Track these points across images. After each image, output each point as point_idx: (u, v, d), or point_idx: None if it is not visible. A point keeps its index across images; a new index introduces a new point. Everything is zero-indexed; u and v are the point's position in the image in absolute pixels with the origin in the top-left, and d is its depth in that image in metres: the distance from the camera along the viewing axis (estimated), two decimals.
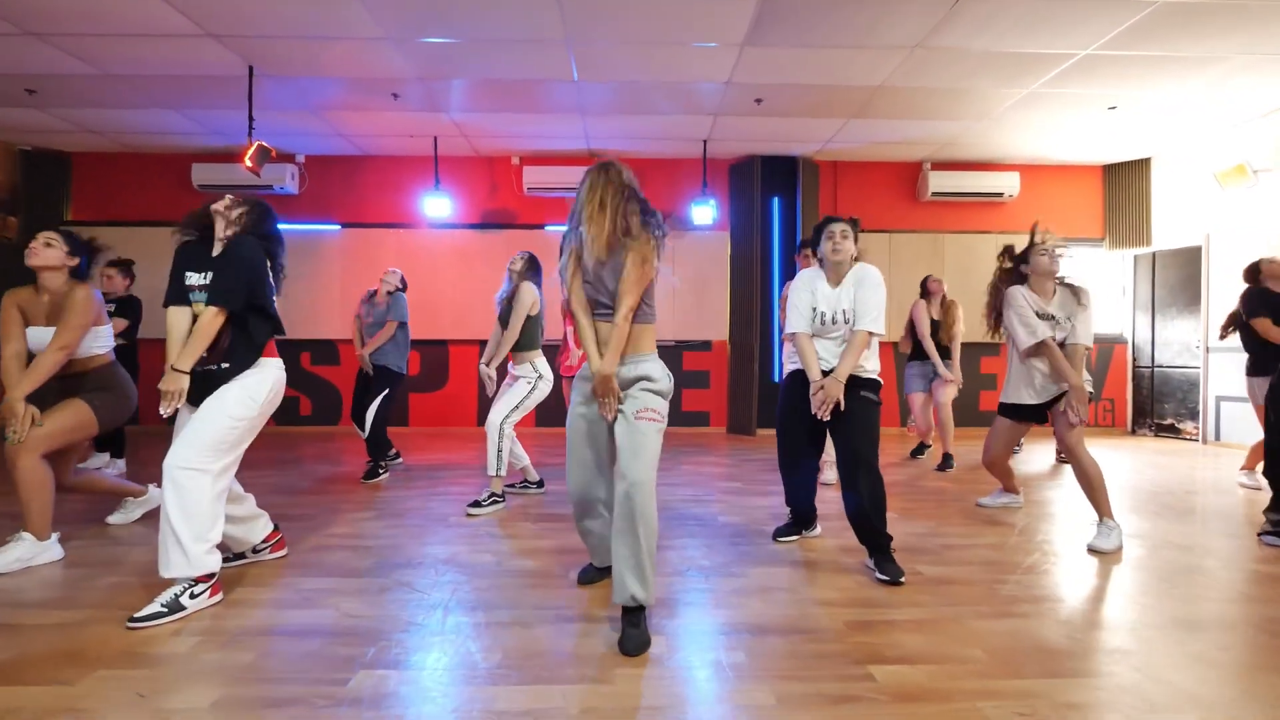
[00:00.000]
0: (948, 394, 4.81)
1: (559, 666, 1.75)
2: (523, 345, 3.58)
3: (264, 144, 5.00)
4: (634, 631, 1.85)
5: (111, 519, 3.15)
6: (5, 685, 1.64)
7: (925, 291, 4.95)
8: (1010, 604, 2.21)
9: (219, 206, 2.27)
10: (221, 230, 2.27)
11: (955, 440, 5.00)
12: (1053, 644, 1.91)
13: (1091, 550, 2.80)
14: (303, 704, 1.56)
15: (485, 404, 6.58)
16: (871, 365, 2.60)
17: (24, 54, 4.54)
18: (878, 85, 5.06)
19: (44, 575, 2.44)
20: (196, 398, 2.16)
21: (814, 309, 2.61)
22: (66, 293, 2.60)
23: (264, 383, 2.24)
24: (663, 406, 1.99)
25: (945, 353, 4.82)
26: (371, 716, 1.51)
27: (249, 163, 4.91)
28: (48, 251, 2.58)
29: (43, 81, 5.04)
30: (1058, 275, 3.01)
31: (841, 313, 2.58)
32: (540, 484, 3.89)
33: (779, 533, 2.94)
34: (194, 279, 2.22)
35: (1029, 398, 3.02)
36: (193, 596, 2.07)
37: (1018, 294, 2.98)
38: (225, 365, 2.20)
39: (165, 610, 2.01)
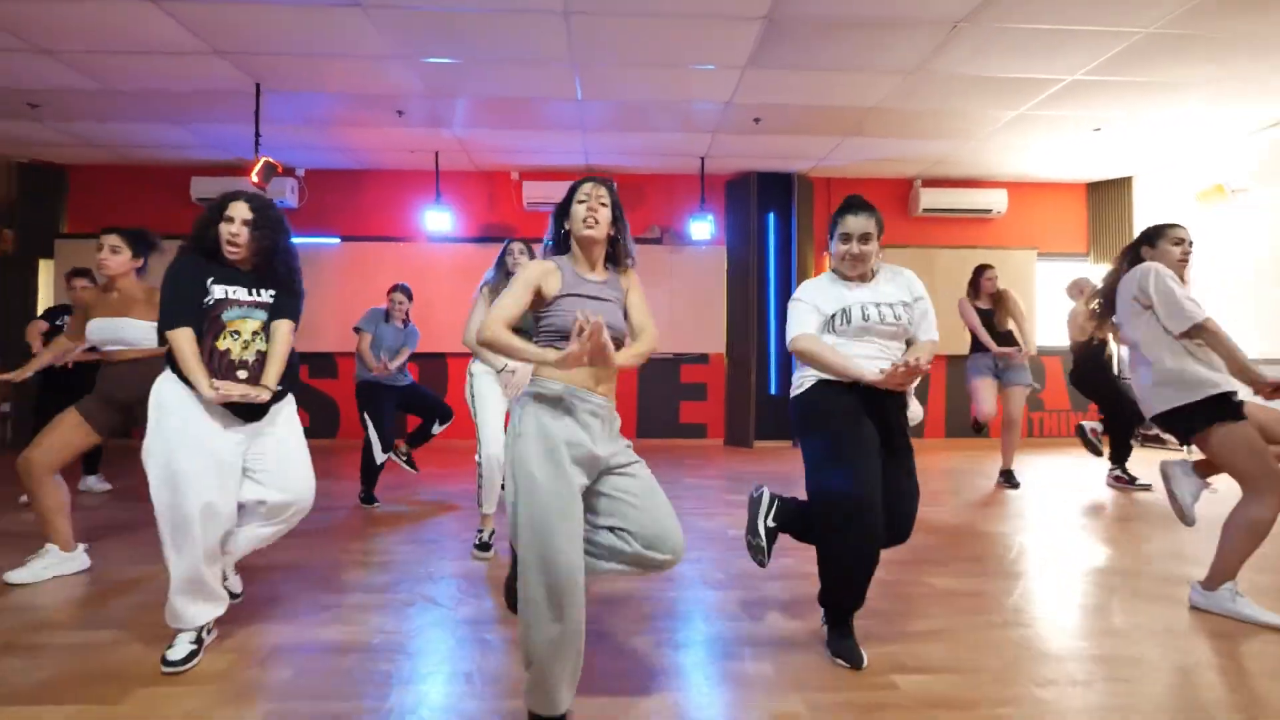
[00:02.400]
0: (1019, 401, 4.63)
1: (595, 680, 1.81)
2: None
3: (270, 160, 5.03)
4: None
5: (12, 575, 2.59)
6: (47, 704, 1.66)
7: (975, 285, 4.74)
8: (1017, 614, 2.30)
9: (245, 217, 2.04)
10: (247, 241, 2.04)
11: (957, 452, 5.11)
12: (1064, 652, 1.99)
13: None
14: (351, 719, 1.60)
15: None
16: (916, 410, 2.44)
17: (31, 69, 4.55)
18: (872, 106, 5.21)
19: (72, 594, 2.45)
20: (247, 416, 2.04)
21: (841, 310, 2.03)
22: (148, 291, 2.78)
23: (293, 403, 2.26)
24: None
25: (1010, 339, 4.63)
26: None
27: (255, 178, 4.94)
28: (115, 259, 2.73)
29: (46, 96, 5.03)
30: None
31: (889, 308, 2.03)
32: None
33: None
34: (236, 294, 2.04)
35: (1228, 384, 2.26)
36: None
37: (1162, 266, 2.37)
38: (280, 387, 2.10)
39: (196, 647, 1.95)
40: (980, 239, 7.24)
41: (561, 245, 1.82)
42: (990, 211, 7.11)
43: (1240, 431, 2.20)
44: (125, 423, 2.79)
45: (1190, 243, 2.46)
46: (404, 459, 4.27)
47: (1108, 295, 2.56)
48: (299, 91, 4.97)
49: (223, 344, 2.00)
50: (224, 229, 2.01)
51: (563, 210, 1.80)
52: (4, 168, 6.54)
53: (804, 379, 2.08)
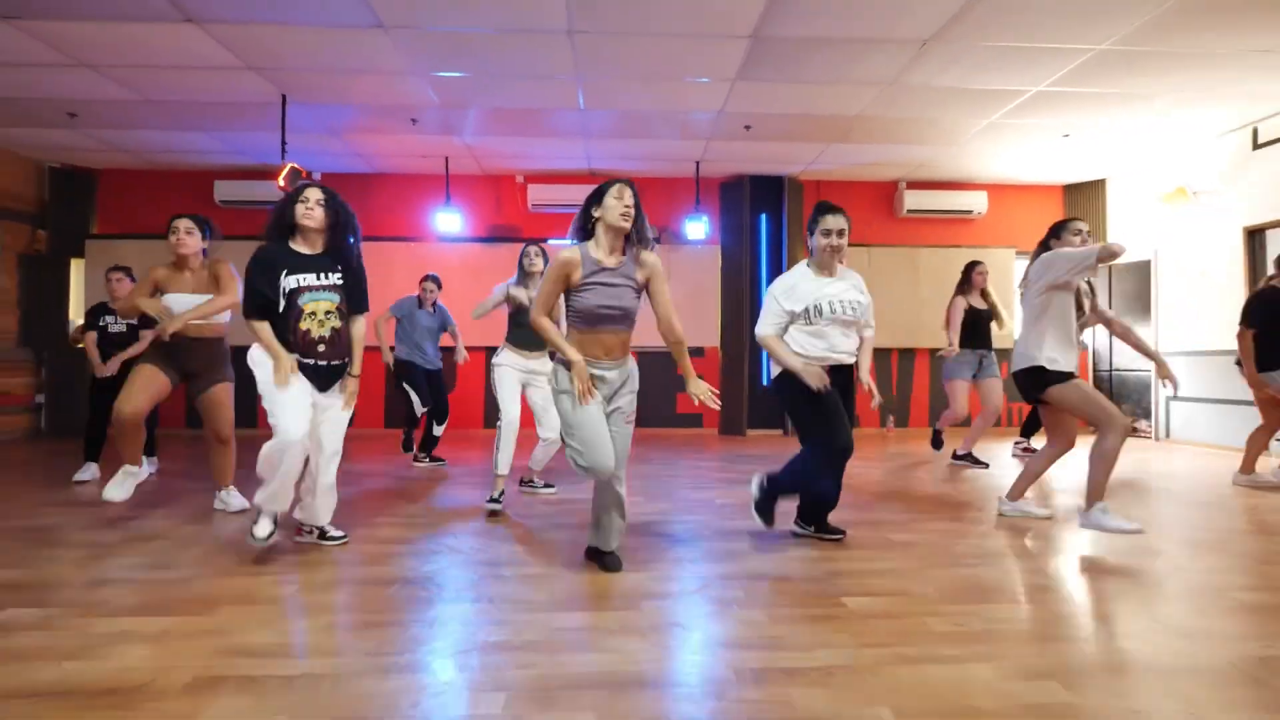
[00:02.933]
0: (999, 391, 4.91)
1: (598, 599, 2.18)
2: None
3: (296, 166, 5.41)
4: (617, 559, 2.49)
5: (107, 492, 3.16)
6: (155, 615, 2.03)
7: (967, 281, 4.95)
8: (961, 558, 2.67)
9: (318, 197, 2.60)
10: (321, 216, 2.59)
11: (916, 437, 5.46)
12: (988, 583, 2.37)
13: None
14: (399, 626, 1.98)
15: (492, 406, 6.96)
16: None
17: (75, 82, 4.93)
18: (855, 115, 5.59)
19: (146, 546, 2.83)
20: (323, 386, 2.62)
21: (809, 306, 2.73)
22: (212, 266, 3.30)
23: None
24: None
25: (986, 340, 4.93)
26: (454, 638, 1.93)
27: (282, 183, 5.32)
28: (191, 240, 3.24)
29: (85, 106, 5.42)
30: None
31: (847, 305, 2.76)
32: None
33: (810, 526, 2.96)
34: (307, 280, 2.56)
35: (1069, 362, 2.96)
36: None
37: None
38: (346, 359, 2.70)
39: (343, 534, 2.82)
40: (962, 238, 7.62)
41: (587, 231, 2.38)
42: (971, 212, 7.49)
43: (1070, 387, 2.90)
44: (182, 380, 3.29)
45: (1088, 233, 3.07)
46: (427, 461, 4.94)
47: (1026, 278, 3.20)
48: (322, 103, 5.36)
49: (304, 325, 2.53)
50: (299, 208, 2.56)
51: (595, 201, 2.34)
52: (38, 172, 6.93)
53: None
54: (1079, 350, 3.04)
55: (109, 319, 4.44)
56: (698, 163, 6.92)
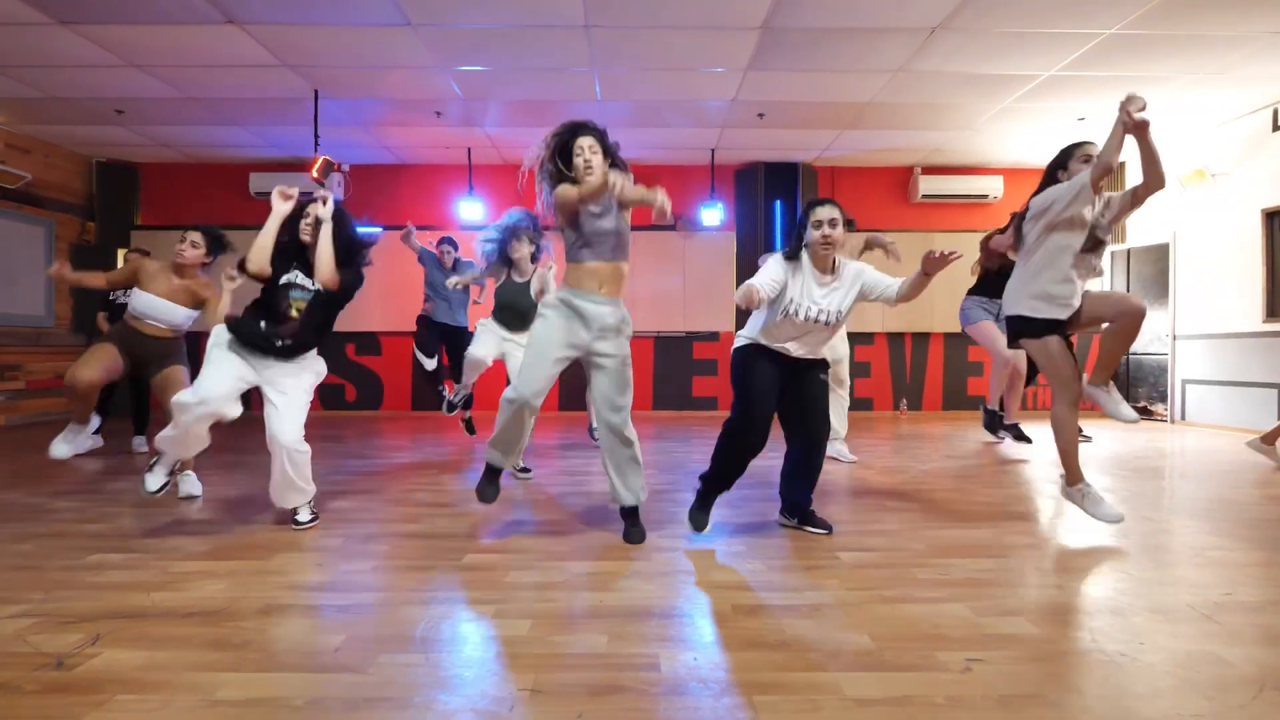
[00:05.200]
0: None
1: (614, 549, 2.41)
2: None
3: (329, 158, 5.68)
4: (637, 528, 2.55)
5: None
6: (222, 560, 2.30)
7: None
8: (953, 516, 2.84)
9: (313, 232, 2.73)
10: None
11: (943, 424, 5.57)
12: (977, 541, 2.54)
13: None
14: (436, 569, 2.22)
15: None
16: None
17: (124, 82, 5.24)
18: (867, 102, 5.69)
19: (198, 524, 3.12)
20: (267, 355, 2.71)
21: (789, 299, 2.52)
22: (202, 287, 3.39)
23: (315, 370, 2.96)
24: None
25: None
26: (486, 576, 2.17)
27: (315, 174, 5.59)
28: (193, 252, 3.33)
29: (132, 104, 5.74)
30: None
31: (830, 314, 2.53)
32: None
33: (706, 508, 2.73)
34: (304, 280, 2.74)
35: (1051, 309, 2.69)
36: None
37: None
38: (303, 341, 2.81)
39: (315, 515, 2.76)
40: (978, 223, 7.65)
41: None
42: (987, 197, 7.53)
43: (1039, 343, 2.71)
44: (134, 370, 3.41)
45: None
46: (465, 422, 5.27)
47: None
48: (353, 98, 5.61)
49: (291, 312, 2.72)
50: (300, 224, 2.74)
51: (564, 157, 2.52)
52: (86, 167, 7.32)
53: (741, 337, 2.75)
54: (1082, 284, 2.72)
55: (118, 293, 4.85)
56: (712, 150, 7.07)
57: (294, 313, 2.71)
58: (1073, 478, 2.74)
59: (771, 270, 2.54)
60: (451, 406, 4.79)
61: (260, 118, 6.11)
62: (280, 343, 2.69)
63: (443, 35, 4.52)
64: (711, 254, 7.62)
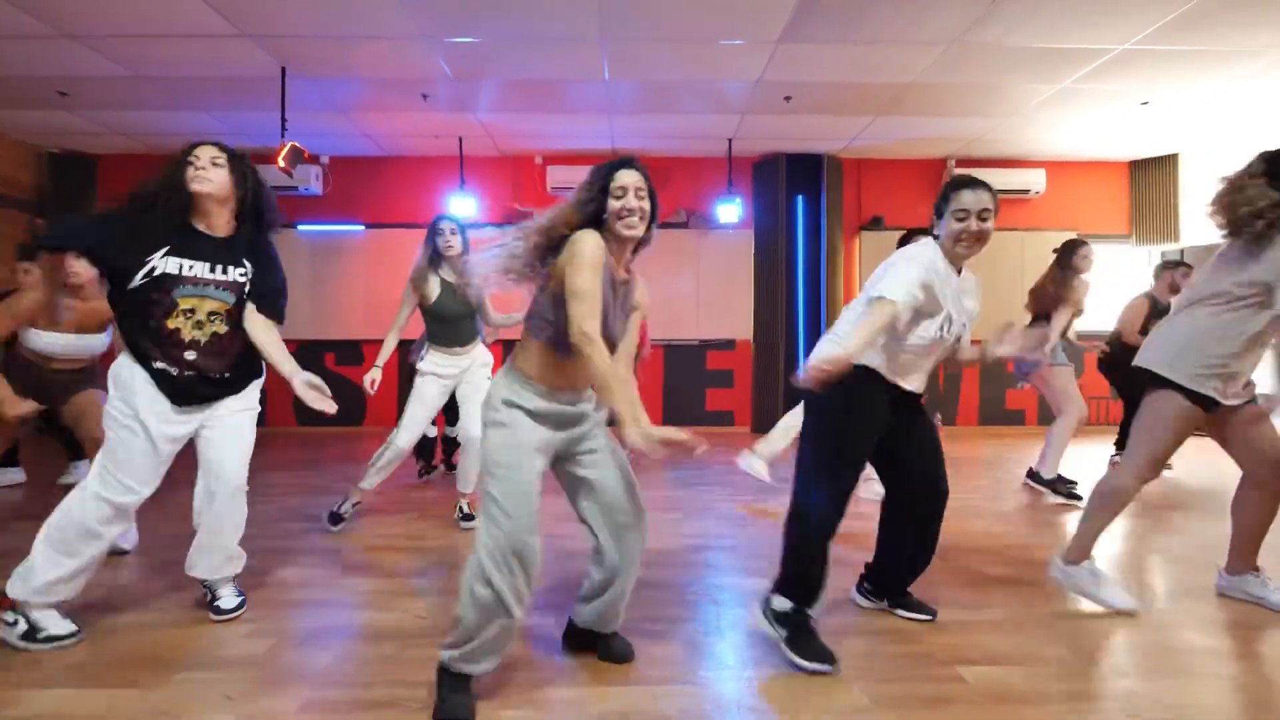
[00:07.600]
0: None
1: (638, 669, 1.73)
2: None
3: (297, 145, 5.00)
4: (626, 645, 1.80)
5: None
6: (86, 688, 1.63)
7: (1068, 263, 4.29)
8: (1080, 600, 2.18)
9: (214, 156, 1.95)
10: (223, 180, 1.94)
11: (984, 443, 4.94)
12: (1143, 642, 1.88)
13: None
14: (396, 706, 1.55)
15: None
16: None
17: (59, 56, 4.55)
18: (909, 82, 5.03)
19: (104, 579, 2.44)
20: (184, 401, 1.93)
21: (947, 313, 1.87)
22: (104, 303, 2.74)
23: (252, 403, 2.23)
24: None
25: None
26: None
27: (282, 163, 4.91)
28: (86, 272, 2.74)
29: (76, 84, 5.05)
30: None
31: (963, 325, 1.97)
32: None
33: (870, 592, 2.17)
34: (193, 269, 1.88)
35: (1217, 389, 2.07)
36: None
37: None
38: (226, 374, 2.02)
39: (243, 599, 2.07)
40: (1017, 220, 7.01)
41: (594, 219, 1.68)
42: (1028, 192, 6.87)
43: (1158, 404, 2.09)
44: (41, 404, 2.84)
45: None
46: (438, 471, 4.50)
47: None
48: (325, 77, 4.93)
49: (172, 323, 1.86)
50: (188, 171, 1.89)
51: (602, 193, 1.66)
52: (35, 157, 6.62)
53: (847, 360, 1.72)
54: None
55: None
56: (730, 140, 6.40)
57: (185, 319, 1.86)
58: (1081, 555, 2.17)
59: (913, 273, 1.78)
60: (337, 519, 3.14)
61: (224, 101, 5.43)
62: (219, 376, 1.96)
63: None
64: (727, 254, 6.95)
